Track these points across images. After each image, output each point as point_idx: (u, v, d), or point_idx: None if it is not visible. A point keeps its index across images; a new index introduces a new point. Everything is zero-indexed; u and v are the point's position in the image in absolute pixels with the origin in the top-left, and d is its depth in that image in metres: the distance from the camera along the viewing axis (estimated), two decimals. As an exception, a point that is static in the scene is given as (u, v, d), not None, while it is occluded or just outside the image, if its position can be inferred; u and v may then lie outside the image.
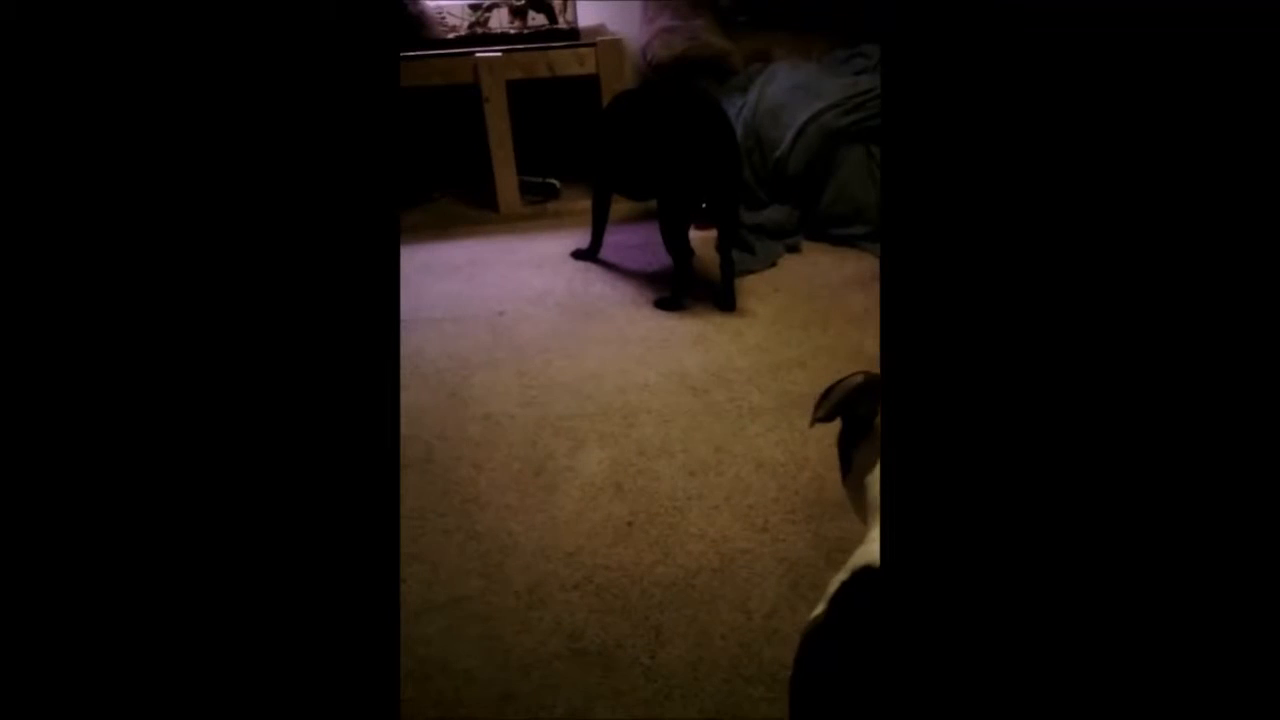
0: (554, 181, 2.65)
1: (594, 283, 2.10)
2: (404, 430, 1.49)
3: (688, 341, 1.78)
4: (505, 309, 1.97)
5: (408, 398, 1.60)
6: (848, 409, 0.80)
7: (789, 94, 2.34)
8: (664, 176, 1.88)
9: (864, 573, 0.61)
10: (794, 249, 2.26)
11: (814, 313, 1.89)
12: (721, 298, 1.93)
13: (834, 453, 1.37)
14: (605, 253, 2.25)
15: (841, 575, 0.63)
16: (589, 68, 2.43)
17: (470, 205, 2.64)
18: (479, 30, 2.51)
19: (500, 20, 2.54)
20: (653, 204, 2.08)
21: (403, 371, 1.70)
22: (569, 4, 2.54)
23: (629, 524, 1.24)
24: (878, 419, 0.75)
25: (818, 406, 0.82)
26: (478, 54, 2.38)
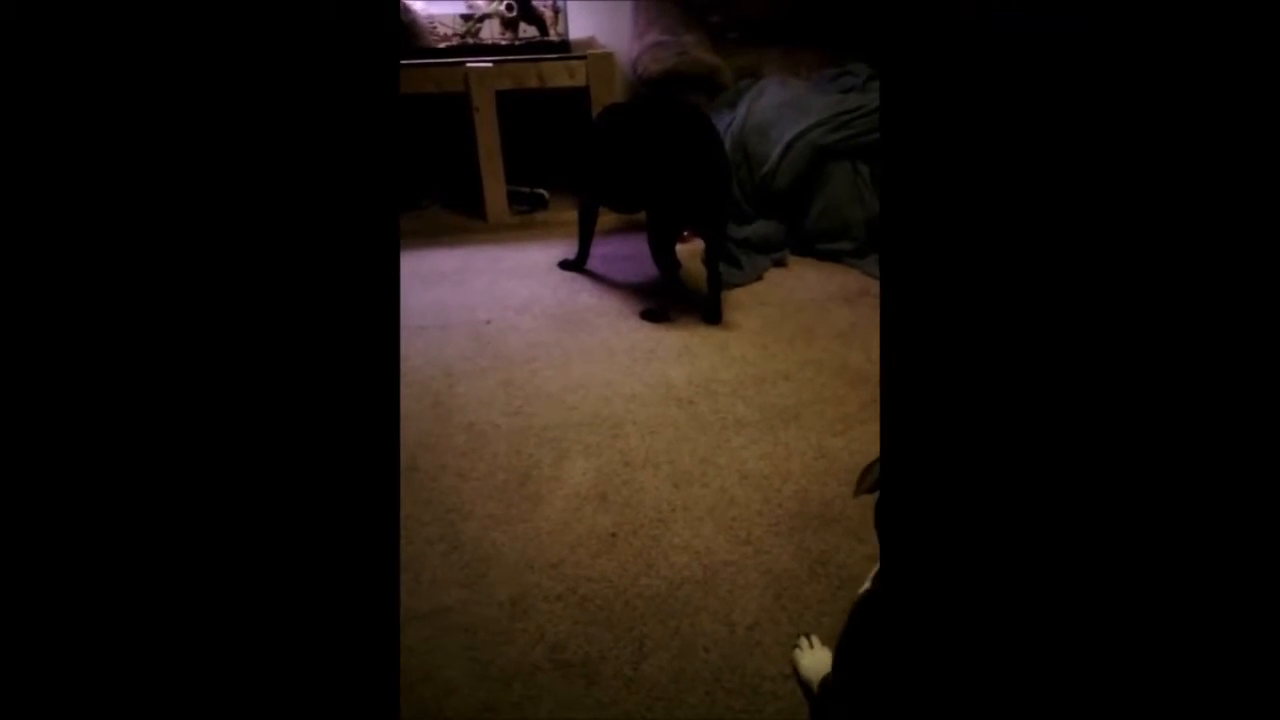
0: (542, 192, 2.66)
1: (580, 293, 2.11)
2: (388, 438, 1.49)
3: (673, 353, 1.79)
4: (492, 318, 1.97)
5: (392, 406, 1.60)
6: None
7: (777, 110, 2.37)
8: (652, 189, 1.90)
9: None
10: (780, 263, 2.28)
11: (799, 327, 1.91)
12: (708, 310, 1.94)
13: (819, 465, 1.38)
14: (592, 264, 2.26)
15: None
16: (579, 80, 2.44)
17: (458, 214, 2.64)
18: (470, 40, 2.52)
19: (492, 31, 2.55)
20: (640, 216, 2.09)
21: (388, 379, 1.70)
22: (560, 16, 2.56)
23: (613, 535, 1.24)
24: None
25: (860, 481, 0.90)
26: (468, 64, 2.38)
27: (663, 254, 1.93)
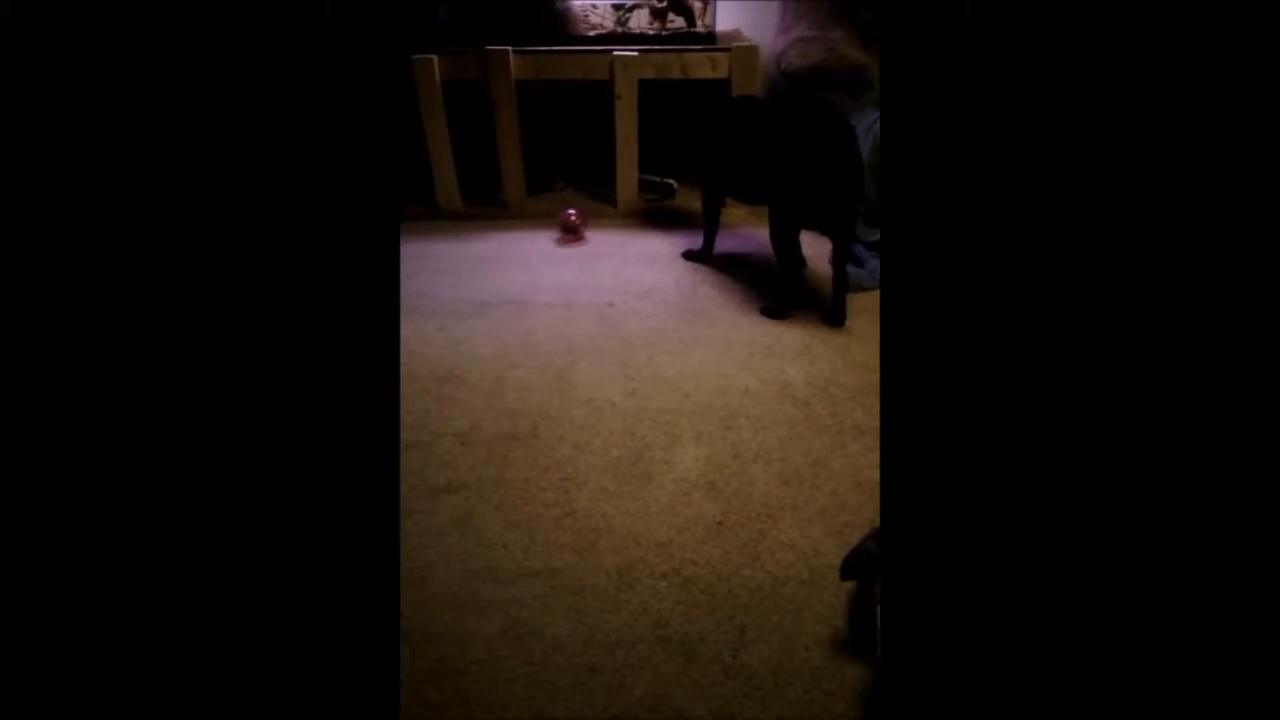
0: (671, 181, 2.69)
1: (702, 284, 2.12)
2: (513, 406, 1.57)
3: (792, 352, 1.77)
4: (614, 301, 2.02)
5: (519, 375, 1.68)
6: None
7: (924, 112, 2.28)
8: (775, 183, 1.88)
9: None
10: (911, 271, 2.20)
11: (927, 338, 1.84)
12: (831, 312, 1.91)
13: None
14: (717, 256, 2.27)
15: None
16: (721, 72, 2.45)
17: (590, 197, 2.72)
18: (619, 29, 2.58)
19: (640, 21, 2.60)
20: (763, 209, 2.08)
21: (515, 350, 1.78)
22: (709, 8, 2.57)
23: (720, 524, 1.25)
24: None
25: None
26: (615, 52, 2.44)
27: (783, 249, 1.91)
